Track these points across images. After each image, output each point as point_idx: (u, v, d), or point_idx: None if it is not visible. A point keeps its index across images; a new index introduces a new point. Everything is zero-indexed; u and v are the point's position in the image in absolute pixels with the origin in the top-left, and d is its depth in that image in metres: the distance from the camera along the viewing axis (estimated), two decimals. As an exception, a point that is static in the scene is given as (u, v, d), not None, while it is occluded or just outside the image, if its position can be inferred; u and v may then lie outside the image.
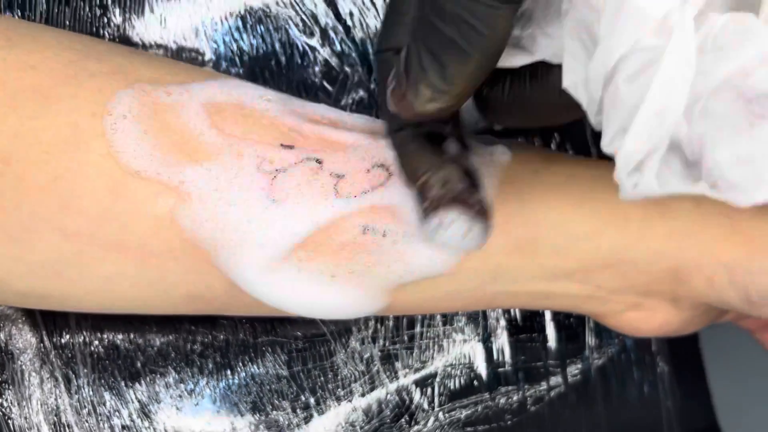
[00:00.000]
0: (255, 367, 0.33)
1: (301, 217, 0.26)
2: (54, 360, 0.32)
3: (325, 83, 0.33)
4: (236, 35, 0.32)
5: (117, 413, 0.32)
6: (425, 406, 0.34)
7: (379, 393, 0.34)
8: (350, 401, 0.33)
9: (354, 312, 0.28)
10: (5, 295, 0.28)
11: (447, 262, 0.27)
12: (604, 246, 0.27)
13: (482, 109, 0.26)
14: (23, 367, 0.31)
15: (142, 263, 0.26)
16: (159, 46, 0.32)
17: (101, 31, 0.31)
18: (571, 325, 0.36)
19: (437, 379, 0.34)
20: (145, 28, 0.32)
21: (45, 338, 0.32)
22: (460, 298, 0.29)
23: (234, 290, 0.27)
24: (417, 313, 0.33)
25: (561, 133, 0.36)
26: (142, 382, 0.32)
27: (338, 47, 0.33)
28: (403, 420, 0.34)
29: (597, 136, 0.37)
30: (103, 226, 0.25)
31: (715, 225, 0.27)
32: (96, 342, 0.32)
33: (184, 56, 0.32)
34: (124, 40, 0.32)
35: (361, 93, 0.33)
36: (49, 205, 0.25)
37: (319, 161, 0.26)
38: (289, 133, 0.26)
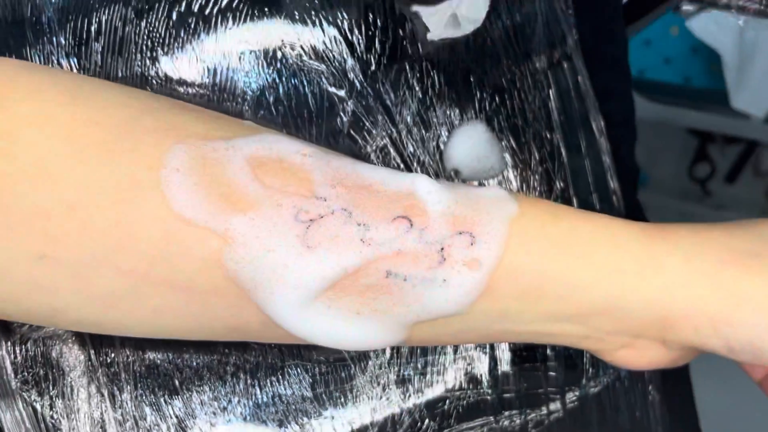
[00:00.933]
0: (281, 387, 0.36)
1: (332, 262, 0.29)
2: (100, 377, 0.35)
3: (352, 131, 0.36)
4: (273, 85, 0.35)
5: (157, 427, 0.35)
6: (435, 426, 0.37)
7: (394, 413, 0.37)
8: (367, 420, 0.36)
9: (375, 345, 0.31)
10: (61, 323, 0.31)
11: (461, 304, 0.30)
12: (601, 295, 0.31)
13: None
14: (72, 382, 0.35)
15: (188, 298, 0.29)
16: (200, 86, 0.35)
17: (151, 81, 0.35)
18: (570, 356, 0.39)
19: (447, 403, 0.37)
20: (189, 75, 0.35)
21: (92, 356, 0.35)
22: (470, 334, 0.32)
23: (269, 323, 0.30)
24: (431, 345, 0.37)
25: (564, 180, 0.39)
26: (180, 398, 0.35)
27: (365, 99, 0.36)
28: (414, 439, 0.37)
29: (599, 180, 0.40)
30: (156, 265, 0.28)
31: (702, 281, 0.30)
32: (138, 361, 0.35)
33: (224, 100, 0.35)
34: (171, 87, 0.35)
35: (385, 141, 0.36)
36: (108, 246, 0.28)
37: (348, 212, 0.29)
38: (323, 185, 0.30)
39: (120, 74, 0.34)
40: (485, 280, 0.30)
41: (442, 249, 0.30)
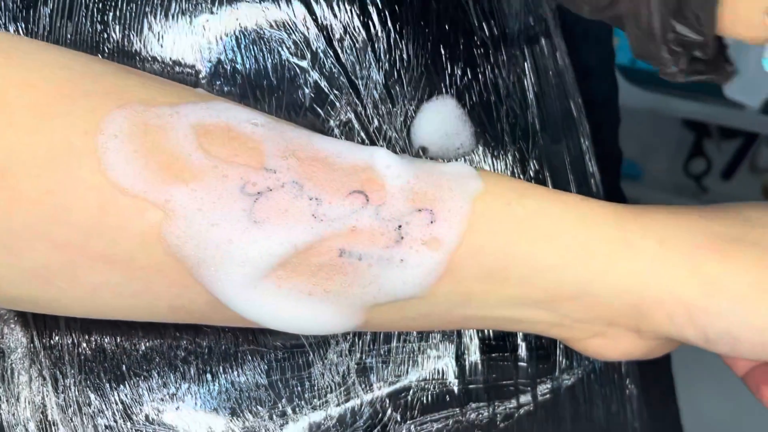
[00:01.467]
0: (235, 374, 0.34)
1: (281, 238, 0.27)
2: (43, 360, 0.33)
3: (315, 105, 0.34)
4: (230, 55, 0.33)
5: (101, 413, 0.33)
6: (398, 418, 0.35)
7: (354, 404, 0.35)
8: (325, 411, 0.35)
9: (329, 328, 0.29)
10: None
11: (420, 286, 0.28)
12: (569, 279, 0.29)
13: None
14: (13, 365, 0.33)
15: (128, 275, 0.27)
16: (155, 60, 0.33)
17: (101, 46, 0.33)
18: (542, 345, 0.37)
19: (410, 393, 0.35)
20: (143, 45, 0.33)
21: (35, 338, 0.33)
22: (432, 319, 0.30)
23: (215, 303, 0.28)
24: (391, 330, 0.35)
25: (539, 161, 0.37)
26: (127, 384, 0.33)
27: (328, 70, 0.34)
28: (376, 431, 0.35)
29: (576, 162, 0.38)
30: (92, 238, 0.27)
31: (677, 265, 0.29)
32: (84, 344, 0.33)
33: (178, 71, 0.33)
34: (123, 55, 0.33)
35: (350, 115, 0.34)
36: (40, 217, 0.26)
37: (300, 185, 0.27)
38: (273, 157, 0.28)
39: (69, 39, 0.32)
40: (446, 260, 0.28)
41: (400, 227, 0.28)
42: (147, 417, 0.33)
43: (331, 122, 0.34)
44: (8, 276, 0.28)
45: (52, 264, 0.27)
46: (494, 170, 0.36)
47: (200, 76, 0.33)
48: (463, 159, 0.35)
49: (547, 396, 0.37)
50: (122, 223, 0.27)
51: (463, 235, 0.28)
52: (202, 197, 0.27)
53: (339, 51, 0.34)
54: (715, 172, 1.16)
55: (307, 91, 0.34)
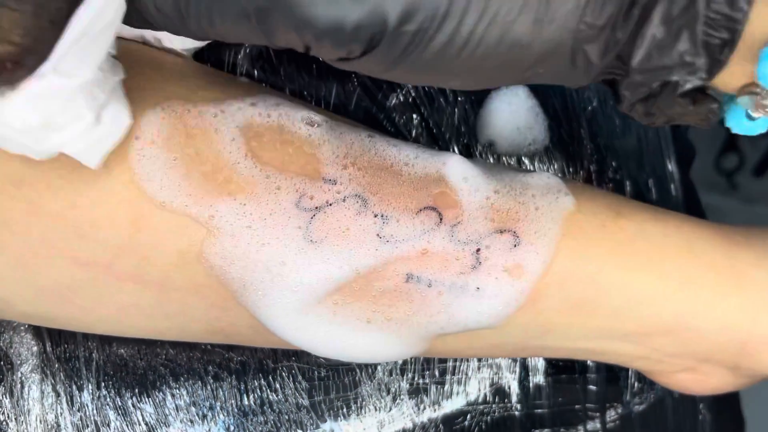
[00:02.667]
0: (273, 393, 0.30)
1: (341, 261, 0.23)
2: (57, 373, 0.29)
3: (368, 89, 0.30)
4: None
5: (122, 435, 0.29)
6: (453, 445, 0.32)
7: (405, 428, 0.31)
8: (373, 436, 0.31)
9: (387, 358, 0.26)
10: (8, 315, 0.26)
11: (496, 317, 0.24)
12: (669, 312, 0.25)
13: None
14: (23, 378, 0.29)
15: (161, 296, 0.24)
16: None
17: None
18: (612, 367, 0.33)
19: (468, 417, 0.32)
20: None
21: (48, 348, 0.29)
22: (503, 349, 0.27)
23: (258, 327, 0.25)
24: (454, 357, 0.31)
25: (616, 158, 0.33)
26: (151, 402, 0.30)
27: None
28: (428, 459, 0.31)
29: (655, 161, 0.34)
30: (121, 257, 0.23)
31: None
32: (103, 356, 0.29)
33: (216, 52, 0.29)
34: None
35: (409, 102, 0.30)
36: (62, 233, 0.23)
37: (364, 199, 0.23)
38: (332, 164, 0.24)
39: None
40: (529, 289, 0.24)
41: (478, 251, 0.24)
42: (174, 441, 0.29)
43: (387, 112, 0.30)
44: (22, 293, 0.24)
45: (74, 283, 0.24)
46: (568, 167, 0.32)
47: (239, 59, 0.29)
48: (536, 160, 0.31)
49: (617, 422, 0.33)
50: (158, 241, 0.23)
51: (550, 261, 0.24)
52: (252, 212, 0.23)
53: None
54: (747, 168, 1.12)
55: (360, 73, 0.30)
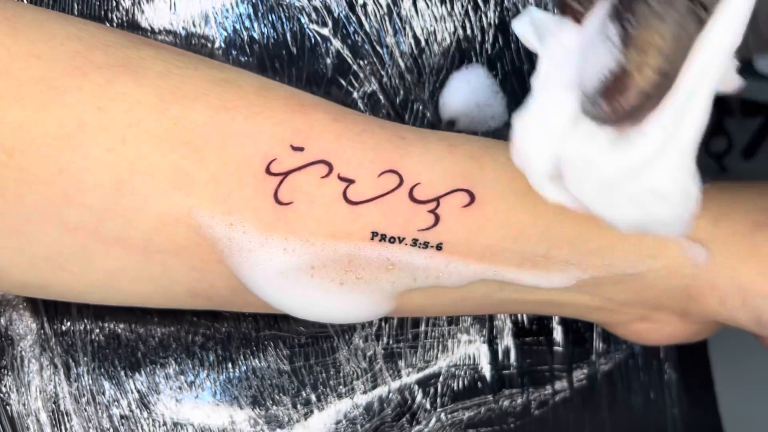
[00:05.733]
0: (256, 361, 0.32)
1: (310, 222, 0.25)
2: (54, 347, 0.31)
3: (337, 75, 0.32)
4: (247, 23, 0.31)
5: (116, 403, 0.31)
6: (427, 406, 0.34)
7: (381, 391, 0.33)
8: (352, 398, 0.33)
9: (359, 317, 0.27)
10: (5, 285, 0.28)
11: (458, 272, 0.26)
12: (617, 262, 0.27)
13: None
14: (23, 353, 0.31)
15: (145, 259, 0.26)
16: (168, 32, 0.31)
17: (110, 15, 0.31)
18: (578, 329, 0.35)
19: (440, 379, 0.34)
20: (154, 13, 0.31)
21: (46, 325, 0.31)
22: (466, 304, 0.28)
23: (238, 289, 0.26)
24: (422, 315, 0.33)
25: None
26: (143, 372, 0.32)
27: (351, 38, 0.32)
28: (404, 419, 0.33)
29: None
30: (107, 221, 0.25)
31: (732, 245, 0.27)
32: (97, 330, 0.32)
33: (193, 42, 0.31)
34: (133, 25, 0.31)
35: (374, 86, 0.32)
36: (52, 198, 0.25)
37: (329, 164, 0.25)
38: (300, 133, 0.26)
39: (76, 9, 0.30)
40: (485, 244, 0.26)
41: (437, 207, 0.26)
42: (164, 406, 0.32)
43: (355, 94, 0.32)
44: (19, 262, 0.26)
45: (65, 249, 0.25)
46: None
47: (215, 46, 0.31)
48: (496, 135, 0.33)
49: (584, 382, 0.35)
50: (139, 205, 0.25)
51: (503, 217, 0.26)
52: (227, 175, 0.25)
53: (362, 17, 0.32)
54: (736, 151, 1.14)
55: (328, 61, 0.32)
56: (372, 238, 0.25)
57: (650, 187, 0.19)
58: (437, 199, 0.26)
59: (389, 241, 0.26)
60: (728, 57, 0.18)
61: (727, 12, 0.17)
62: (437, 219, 0.26)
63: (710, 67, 0.18)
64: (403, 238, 0.26)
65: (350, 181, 0.25)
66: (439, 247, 0.26)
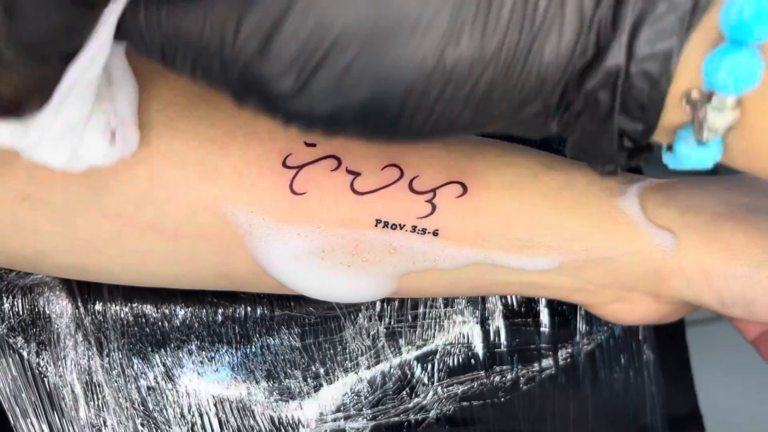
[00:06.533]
0: (270, 338, 0.36)
1: (321, 210, 0.28)
2: (88, 325, 0.35)
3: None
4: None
5: (144, 375, 0.35)
6: (425, 380, 0.37)
7: (383, 366, 0.37)
8: (356, 373, 0.36)
9: (365, 296, 0.31)
10: (45, 267, 0.31)
11: (453, 256, 0.30)
12: (593, 247, 0.30)
13: None
14: (59, 330, 0.34)
15: (174, 244, 0.29)
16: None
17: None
18: (563, 312, 0.38)
19: (437, 356, 0.37)
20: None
21: (80, 305, 0.35)
22: (460, 286, 0.32)
23: (257, 271, 0.30)
24: (421, 296, 0.36)
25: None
26: (167, 348, 0.35)
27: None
28: (404, 392, 0.37)
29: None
30: (141, 208, 0.28)
31: (697, 233, 0.30)
32: (126, 310, 0.35)
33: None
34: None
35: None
36: (93, 188, 0.28)
37: (338, 159, 0.29)
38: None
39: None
40: (477, 231, 0.29)
41: (433, 197, 0.29)
42: (188, 379, 0.35)
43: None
44: (60, 246, 0.29)
45: (103, 233, 0.28)
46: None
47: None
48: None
49: (568, 360, 0.39)
50: (171, 194, 0.28)
51: (492, 206, 0.29)
52: (250, 167, 0.28)
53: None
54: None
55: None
56: (376, 225, 0.29)
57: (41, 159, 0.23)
58: (434, 190, 0.29)
59: (391, 227, 0.29)
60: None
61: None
62: (434, 208, 0.29)
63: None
64: (404, 225, 0.29)
65: (357, 174, 0.29)
66: (435, 233, 0.29)
